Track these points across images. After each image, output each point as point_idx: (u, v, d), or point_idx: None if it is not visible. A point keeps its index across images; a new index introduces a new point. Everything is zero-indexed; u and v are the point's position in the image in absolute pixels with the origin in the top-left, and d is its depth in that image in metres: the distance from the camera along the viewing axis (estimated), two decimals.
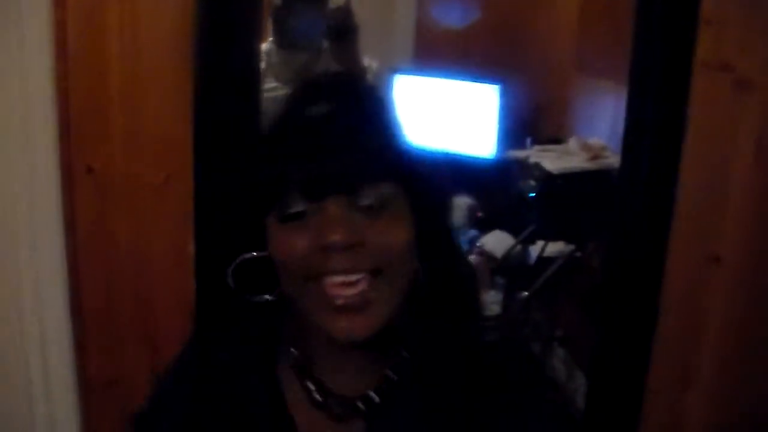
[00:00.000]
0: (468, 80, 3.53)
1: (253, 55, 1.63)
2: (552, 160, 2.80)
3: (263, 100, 2.56)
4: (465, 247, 3.11)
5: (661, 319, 1.67)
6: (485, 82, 3.46)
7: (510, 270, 3.08)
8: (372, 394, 0.91)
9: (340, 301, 0.82)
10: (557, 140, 3.14)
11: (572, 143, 2.96)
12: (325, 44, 2.68)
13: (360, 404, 0.91)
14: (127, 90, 1.62)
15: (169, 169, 1.63)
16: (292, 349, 0.93)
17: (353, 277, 0.82)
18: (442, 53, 3.77)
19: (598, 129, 2.97)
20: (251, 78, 1.62)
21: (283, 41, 2.66)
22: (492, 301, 2.96)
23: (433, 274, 0.90)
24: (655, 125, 1.60)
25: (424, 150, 0.90)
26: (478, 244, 3.24)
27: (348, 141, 0.85)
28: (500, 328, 2.90)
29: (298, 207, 0.84)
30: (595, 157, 2.76)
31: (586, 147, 2.84)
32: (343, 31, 2.63)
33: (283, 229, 0.84)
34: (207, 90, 1.58)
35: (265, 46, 2.68)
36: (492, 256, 3.15)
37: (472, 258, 3.04)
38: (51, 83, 1.62)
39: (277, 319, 0.96)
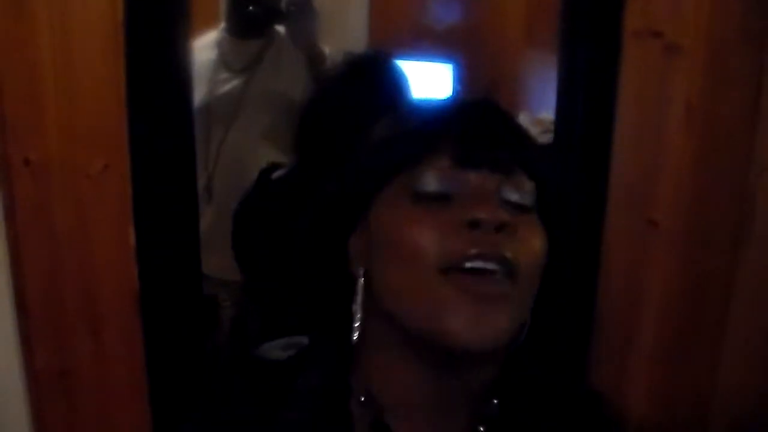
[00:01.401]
0: (422, 60, 3.53)
1: (184, 40, 1.63)
2: None
3: (217, 92, 2.58)
4: None
5: (603, 287, 1.70)
6: (439, 62, 3.47)
7: None
8: None
9: (475, 288, 0.71)
10: None
11: (522, 118, 2.98)
12: (281, 31, 2.66)
13: None
14: (61, 81, 1.61)
15: (106, 158, 1.63)
16: (362, 398, 0.81)
17: (492, 266, 0.71)
18: (397, 35, 3.77)
19: (548, 103, 2.98)
20: (183, 63, 1.62)
21: (237, 29, 2.64)
22: None
23: (545, 316, 0.82)
24: (586, 94, 1.62)
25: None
26: None
27: (506, 126, 0.80)
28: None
29: (437, 185, 0.75)
30: (545, 132, 2.77)
31: (536, 122, 2.86)
32: (302, 17, 2.61)
33: (415, 210, 0.74)
34: (140, 77, 1.58)
35: (216, 35, 2.67)
36: None
37: None
38: None
39: (347, 364, 0.84)
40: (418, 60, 3.53)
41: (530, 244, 0.75)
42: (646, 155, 1.64)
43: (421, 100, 0.86)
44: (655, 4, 1.59)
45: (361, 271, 0.80)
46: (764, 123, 1.55)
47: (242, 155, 2.49)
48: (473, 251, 0.71)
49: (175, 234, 1.63)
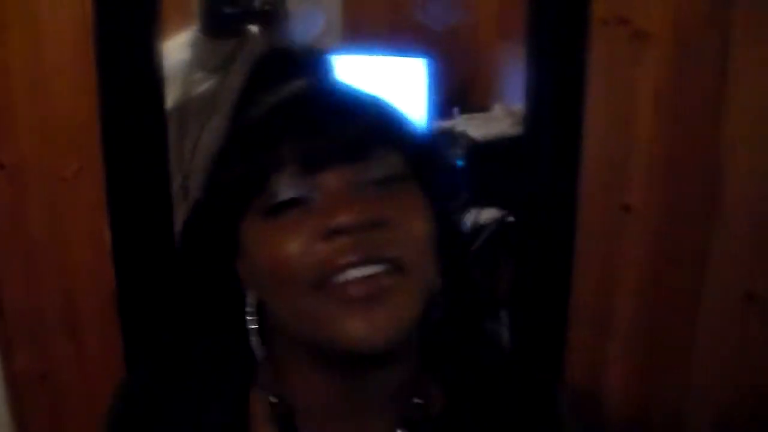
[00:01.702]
0: (396, 55, 3.54)
1: (155, 41, 1.63)
2: (477, 127, 2.83)
3: (191, 92, 2.58)
4: None
5: (577, 273, 1.71)
6: (413, 56, 3.48)
7: None
8: None
9: (355, 292, 0.65)
10: (484, 108, 3.17)
11: (497, 110, 2.99)
12: (253, 30, 2.66)
13: None
14: (32, 85, 1.61)
15: (80, 160, 1.63)
16: (270, 398, 0.77)
17: (373, 269, 0.65)
18: (370, 31, 3.78)
19: (522, 94, 3.00)
20: (154, 64, 1.62)
21: (210, 29, 2.63)
22: None
23: (452, 292, 0.76)
24: (555, 83, 1.64)
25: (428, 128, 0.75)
26: None
27: (344, 105, 0.73)
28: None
29: (290, 192, 0.68)
30: (519, 123, 2.78)
31: (510, 113, 2.87)
32: (276, 17, 2.61)
33: (271, 226, 0.68)
34: (111, 79, 1.58)
35: (188, 36, 2.66)
36: None
37: None
38: None
39: (250, 362, 0.79)
40: (391, 55, 3.54)
41: (410, 226, 0.68)
42: (616, 142, 1.65)
43: (253, 108, 0.76)
44: None
45: (250, 293, 0.76)
46: (729, 106, 1.56)
47: None
48: (343, 261, 0.65)
49: (150, 233, 1.63)
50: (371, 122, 0.71)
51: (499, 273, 3.13)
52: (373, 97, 0.76)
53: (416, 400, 0.77)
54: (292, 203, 0.68)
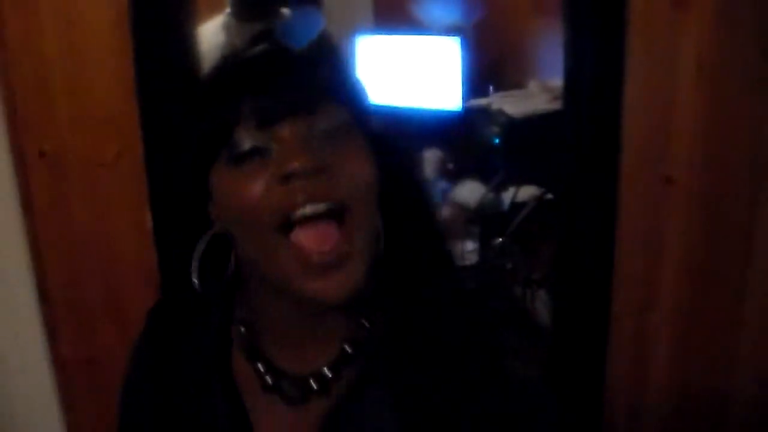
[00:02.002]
0: (429, 34, 3.52)
1: (190, 25, 1.64)
2: (513, 104, 2.81)
3: None
4: (438, 199, 3.12)
5: (620, 245, 1.69)
6: (446, 35, 3.46)
7: (484, 219, 3.09)
8: (325, 370, 0.84)
9: (315, 258, 0.75)
10: (519, 85, 3.14)
11: (532, 86, 2.97)
12: (285, 12, 2.66)
13: (312, 383, 0.84)
14: (69, 73, 1.63)
15: (119, 145, 1.64)
16: (241, 329, 0.89)
17: (321, 207, 0.75)
18: (402, 11, 3.75)
19: (558, 70, 2.97)
20: (189, 47, 1.62)
21: (242, 12, 2.64)
22: (469, 250, 2.97)
23: (397, 230, 0.84)
24: (594, 54, 1.61)
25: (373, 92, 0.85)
26: (450, 196, 3.25)
27: (296, 66, 0.80)
28: (478, 276, 2.92)
29: (250, 143, 0.77)
30: (556, 98, 2.76)
31: (546, 88, 2.85)
32: None
33: (236, 173, 0.77)
34: (148, 64, 1.59)
35: (222, 20, 2.67)
36: (465, 206, 3.16)
37: (446, 209, 3.05)
38: None
39: (230, 298, 0.92)
40: (425, 34, 3.52)
41: (353, 167, 0.78)
42: (658, 113, 1.62)
43: (217, 63, 0.87)
44: None
45: (220, 228, 0.85)
46: None
47: None
48: (296, 200, 0.74)
49: (191, 217, 1.63)
50: (320, 80, 0.80)
51: (538, 252, 3.13)
52: (328, 55, 0.85)
53: (363, 321, 0.86)
54: (253, 153, 0.77)
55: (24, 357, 1.74)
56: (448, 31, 3.42)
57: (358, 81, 0.86)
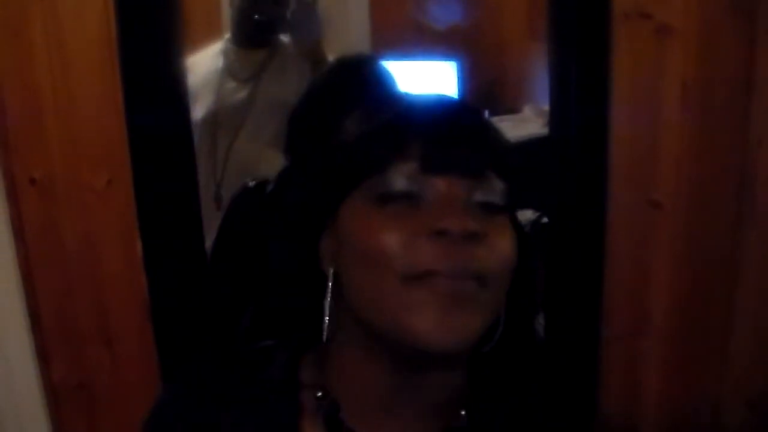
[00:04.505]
0: (425, 59, 3.54)
1: (179, 52, 1.65)
2: (508, 129, 2.81)
3: (223, 101, 2.61)
4: None
5: (610, 269, 1.70)
6: (442, 60, 3.48)
7: None
8: None
9: (446, 288, 0.69)
10: (514, 110, 3.17)
11: (527, 111, 2.99)
12: (284, 39, 2.68)
13: None
14: (60, 100, 1.64)
15: (109, 172, 1.65)
16: (318, 393, 0.79)
17: (461, 285, 0.69)
18: (398, 36, 3.78)
19: None
20: (178, 74, 1.64)
21: (243, 39, 2.66)
22: None
23: (512, 327, 0.79)
24: (579, 80, 1.62)
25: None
26: None
27: (476, 126, 0.77)
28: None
29: (406, 184, 0.72)
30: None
31: (541, 113, 2.87)
32: (306, 25, 2.63)
33: (377, 212, 0.72)
34: (137, 91, 1.60)
35: (221, 45, 2.70)
36: None
37: None
38: None
39: (296, 358, 0.83)
40: (420, 59, 3.55)
41: (500, 250, 0.72)
42: (644, 137, 1.64)
43: (390, 98, 0.82)
44: None
45: (331, 271, 0.78)
46: (758, 96, 1.55)
47: (250, 162, 2.52)
48: (439, 267, 0.69)
49: (181, 243, 1.65)
50: (494, 147, 0.76)
51: (538, 275, 3.12)
52: (497, 127, 0.81)
53: (462, 413, 0.80)
54: (402, 196, 0.72)
55: (15, 382, 1.74)
56: (444, 56, 3.45)
57: (518, 159, 0.80)
